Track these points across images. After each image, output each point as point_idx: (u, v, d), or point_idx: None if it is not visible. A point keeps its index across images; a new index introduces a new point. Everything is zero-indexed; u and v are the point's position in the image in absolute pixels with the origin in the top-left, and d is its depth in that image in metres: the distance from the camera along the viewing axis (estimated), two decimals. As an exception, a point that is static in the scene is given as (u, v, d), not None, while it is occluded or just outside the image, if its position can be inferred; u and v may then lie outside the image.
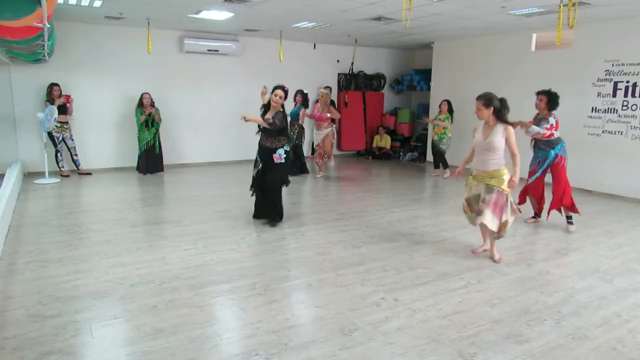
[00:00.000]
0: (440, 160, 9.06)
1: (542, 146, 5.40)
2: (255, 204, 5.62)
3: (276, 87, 5.22)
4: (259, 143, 5.39)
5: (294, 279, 3.85)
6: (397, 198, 7.01)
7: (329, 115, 8.29)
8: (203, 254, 4.38)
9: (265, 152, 5.34)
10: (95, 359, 2.66)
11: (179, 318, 3.12)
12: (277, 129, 5.15)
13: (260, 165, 5.39)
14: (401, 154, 11.35)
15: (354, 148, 11.52)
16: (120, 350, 2.73)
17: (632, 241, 5.09)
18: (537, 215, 5.79)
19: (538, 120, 5.34)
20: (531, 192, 5.65)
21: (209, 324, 3.07)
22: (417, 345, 2.85)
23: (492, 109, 4.10)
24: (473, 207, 4.36)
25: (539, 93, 5.37)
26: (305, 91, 8.45)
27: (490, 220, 4.13)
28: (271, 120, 5.12)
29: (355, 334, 2.95)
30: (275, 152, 5.26)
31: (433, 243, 4.87)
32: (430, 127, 9.68)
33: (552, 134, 5.24)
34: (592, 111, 7.53)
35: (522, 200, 5.75)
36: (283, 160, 5.29)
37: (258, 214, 5.59)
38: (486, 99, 4.11)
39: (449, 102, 8.83)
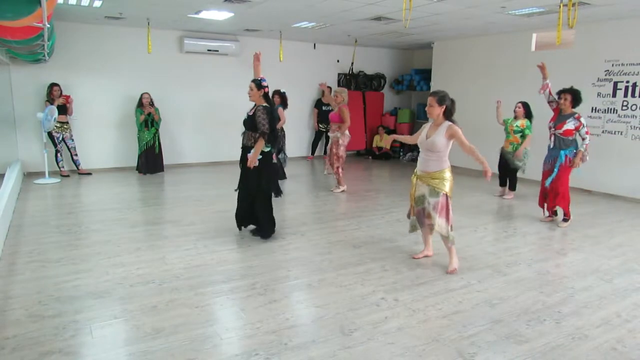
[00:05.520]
0: (510, 178, 7.11)
1: (552, 146, 5.50)
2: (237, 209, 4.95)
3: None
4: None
5: (294, 279, 3.85)
6: (397, 198, 7.01)
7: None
8: (203, 254, 4.38)
9: (242, 152, 4.79)
10: (95, 359, 2.66)
11: (179, 318, 3.12)
12: (253, 124, 4.57)
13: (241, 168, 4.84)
14: (401, 154, 11.36)
15: (354, 148, 11.52)
16: (120, 350, 2.73)
17: (631, 241, 5.09)
18: (552, 214, 5.79)
19: (562, 118, 5.39)
20: (547, 192, 5.67)
21: (209, 324, 3.07)
22: (417, 345, 2.85)
23: (444, 107, 3.90)
24: (414, 209, 4.19)
25: (562, 92, 5.40)
26: (282, 90, 7.85)
27: (442, 226, 3.97)
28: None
29: (355, 334, 2.95)
30: (249, 152, 4.65)
31: (433, 243, 4.86)
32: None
33: (570, 134, 5.37)
34: (592, 111, 7.53)
35: (542, 204, 5.79)
36: (257, 163, 4.60)
37: (238, 222, 4.98)
38: (440, 96, 3.89)
39: (525, 105, 6.78)
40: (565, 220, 5.62)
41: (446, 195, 3.96)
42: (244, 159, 4.74)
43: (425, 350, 2.79)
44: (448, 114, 3.94)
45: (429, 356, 2.73)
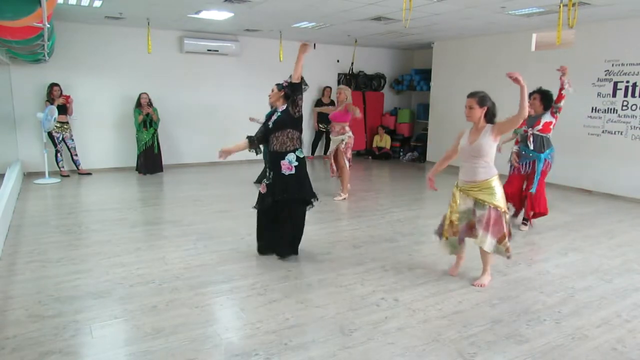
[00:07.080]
0: None
1: (532, 148, 5.26)
2: (257, 233, 4.34)
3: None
4: (268, 147, 4.25)
5: (294, 279, 3.85)
6: (397, 198, 7.01)
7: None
8: (203, 254, 4.38)
9: (272, 159, 4.17)
10: (95, 359, 2.66)
11: (179, 318, 3.12)
12: (290, 120, 4.09)
13: (271, 177, 4.17)
14: (401, 154, 11.36)
15: (354, 148, 11.49)
16: (120, 350, 2.73)
17: (632, 241, 5.09)
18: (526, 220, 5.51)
19: (535, 118, 5.24)
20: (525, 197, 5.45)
21: (209, 324, 3.07)
22: (417, 345, 2.85)
23: (486, 108, 3.57)
24: (457, 228, 3.74)
25: (531, 93, 5.23)
26: None
27: (486, 241, 3.57)
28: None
29: (355, 334, 2.95)
30: (284, 158, 4.11)
31: (433, 243, 4.86)
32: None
33: (548, 129, 5.20)
34: (592, 111, 7.53)
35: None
36: (294, 171, 4.11)
37: (263, 248, 4.34)
38: (480, 97, 3.56)
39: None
40: (525, 223, 5.44)
41: (497, 209, 3.56)
42: (275, 166, 4.14)
43: (425, 350, 2.79)
44: (490, 117, 3.59)
45: (429, 356, 2.73)
